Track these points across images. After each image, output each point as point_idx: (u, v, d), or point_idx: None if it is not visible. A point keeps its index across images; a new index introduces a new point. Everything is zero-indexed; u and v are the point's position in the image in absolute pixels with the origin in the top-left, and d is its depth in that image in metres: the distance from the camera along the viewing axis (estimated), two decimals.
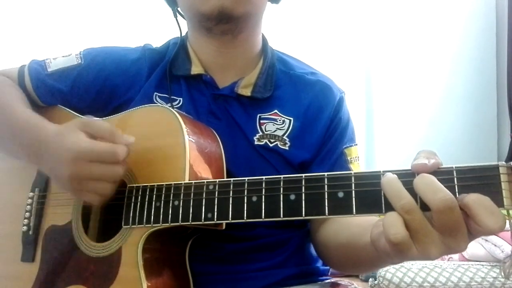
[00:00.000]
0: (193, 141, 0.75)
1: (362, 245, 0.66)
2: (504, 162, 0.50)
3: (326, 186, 0.58)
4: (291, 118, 0.87)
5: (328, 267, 0.93)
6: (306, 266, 0.89)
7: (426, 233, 0.50)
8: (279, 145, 0.86)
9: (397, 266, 1.91)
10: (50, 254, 0.83)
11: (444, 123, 2.64)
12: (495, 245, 1.95)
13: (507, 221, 0.51)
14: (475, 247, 2.00)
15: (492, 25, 2.66)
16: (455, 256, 2.02)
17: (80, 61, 0.92)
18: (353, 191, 0.56)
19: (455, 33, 2.69)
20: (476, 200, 0.49)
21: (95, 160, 0.68)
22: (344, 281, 0.95)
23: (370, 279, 2.01)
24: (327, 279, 0.91)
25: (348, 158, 0.89)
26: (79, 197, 0.75)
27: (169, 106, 0.85)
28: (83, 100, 0.91)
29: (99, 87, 0.90)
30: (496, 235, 1.98)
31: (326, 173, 0.59)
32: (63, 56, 0.94)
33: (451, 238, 0.50)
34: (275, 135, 0.86)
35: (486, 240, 1.99)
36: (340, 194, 0.57)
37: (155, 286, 0.71)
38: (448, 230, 0.50)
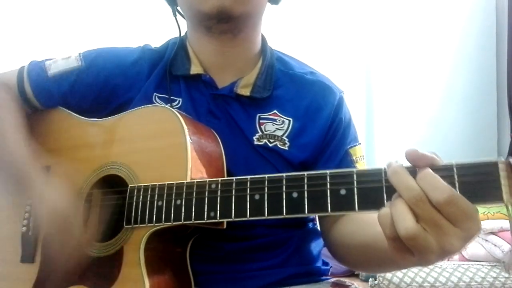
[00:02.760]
0: (194, 141, 0.75)
1: (381, 245, 0.64)
2: (502, 158, 0.50)
3: (328, 183, 0.58)
4: (291, 119, 0.87)
5: (328, 267, 0.93)
6: (306, 265, 0.89)
7: (438, 223, 0.50)
8: (278, 145, 0.86)
9: None
10: (50, 254, 0.82)
11: (444, 123, 2.64)
12: (495, 245, 1.96)
13: (507, 221, 0.51)
14: (475, 247, 2.01)
15: (492, 25, 2.66)
16: (455, 256, 2.02)
17: (80, 63, 0.92)
18: (355, 188, 0.56)
19: (455, 33, 2.69)
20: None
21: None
22: (344, 281, 0.95)
23: (370, 279, 2.01)
24: (327, 279, 0.91)
25: (354, 158, 0.89)
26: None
27: (169, 107, 0.85)
28: (83, 101, 0.91)
29: (99, 88, 0.90)
30: (496, 235, 1.98)
31: (328, 171, 0.59)
32: (62, 59, 0.94)
33: (461, 229, 0.50)
34: (275, 135, 0.86)
35: (486, 240, 1.99)
36: (342, 191, 0.57)
37: (157, 286, 0.71)
38: (456, 222, 0.50)
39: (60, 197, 0.75)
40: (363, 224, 0.76)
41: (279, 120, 0.87)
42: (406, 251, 0.52)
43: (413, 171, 0.53)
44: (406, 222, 0.50)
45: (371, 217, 0.72)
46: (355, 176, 0.57)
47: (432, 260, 0.52)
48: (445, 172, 0.52)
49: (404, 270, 1.90)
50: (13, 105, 0.91)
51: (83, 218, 0.81)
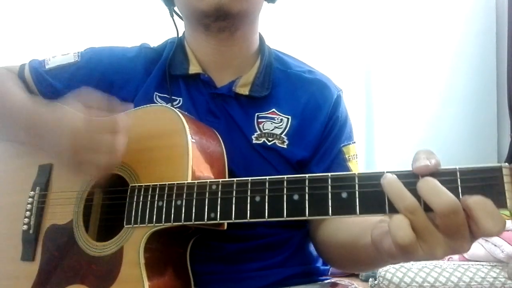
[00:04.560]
0: (196, 141, 0.75)
1: (363, 245, 0.66)
2: (507, 164, 0.50)
3: (329, 186, 0.58)
4: (289, 117, 0.88)
5: (328, 267, 0.93)
6: (306, 266, 0.89)
7: (430, 233, 0.51)
8: (277, 144, 0.86)
9: (397, 266, 1.91)
10: (51, 253, 0.82)
11: (444, 123, 2.64)
12: (495, 245, 1.96)
13: (510, 221, 0.51)
14: (475, 247, 2.01)
15: (492, 25, 2.66)
16: (455, 256, 2.02)
17: (77, 59, 0.93)
18: (357, 192, 0.56)
19: (455, 33, 2.69)
20: (478, 203, 0.49)
21: (93, 131, 0.70)
22: (344, 281, 0.95)
23: (370, 279, 2.01)
24: (327, 279, 0.91)
25: (346, 156, 0.89)
26: (80, 170, 0.76)
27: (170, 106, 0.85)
28: None
29: (94, 84, 0.90)
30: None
31: (329, 174, 0.59)
32: (62, 55, 0.95)
33: (455, 240, 0.50)
34: (273, 134, 0.86)
35: (486, 240, 1.99)
36: (344, 195, 0.57)
37: (157, 286, 0.71)
38: (452, 233, 0.50)
39: (81, 118, 0.72)
40: (349, 223, 0.76)
41: (278, 119, 0.87)
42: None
43: (413, 175, 0.53)
44: (401, 231, 0.50)
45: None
46: (356, 179, 0.56)
47: (419, 260, 0.53)
48: (448, 177, 0.52)
49: (404, 270, 1.90)
50: (16, 78, 0.93)
51: (84, 218, 0.81)
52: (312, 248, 0.91)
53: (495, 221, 0.48)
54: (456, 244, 0.51)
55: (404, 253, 0.51)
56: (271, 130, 0.86)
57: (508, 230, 1.94)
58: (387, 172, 0.54)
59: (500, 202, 0.49)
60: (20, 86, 0.91)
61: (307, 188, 0.59)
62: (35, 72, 0.93)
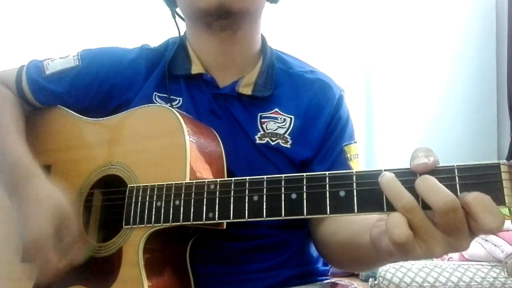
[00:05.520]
0: (194, 141, 0.75)
1: (362, 244, 0.66)
2: (505, 161, 0.50)
3: (327, 185, 0.58)
4: (292, 117, 0.88)
5: (328, 268, 0.93)
6: (306, 266, 0.89)
7: (428, 231, 0.51)
8: (281, 143, 0.86)
9: (397, 266, 1.91)
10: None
11: (444, 123, 2.64)
12: (495, 245, 1.95)
13: (509, 220, 0.51)
14: (475, 247, 2.00)
15: (492, 25, 2.66)
16: (455, 256, 2.02)
17: (77, 63, 0.92)
18: (355, 190, 0.56)
19: (455, 33, 2.69)
20: (476, 199, 0.49)
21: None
22: (344, 281, 0.95)
23: (370, 279, 2.01)
24: (327, 279, 0.91)
25: (348, 155, 0.89)
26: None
27: (169, 106, 0.85)
28: (81, 101, 0.91)
29: (97, 87, 0.90)
30: (496, 235, 1.98)
31: (327, 172, 0.59)
32: (60, 58, 0.94)
33: (454, 238, 0.50)
34: (277, 133, 0.86)
35: (486, 240, 1.98)
36: (342, 193, 0.57)
37: (156, 286, 0.71)
38: (450, 230, 0.50)
39: (58, 198, 0.74)
40: (348, 222, 0.76)
41: (281, 118, 0.87)
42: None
43: (411, 173, 0.53)
44: (397, 229, 0.50)
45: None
46: (354, 177, 0.56)
47: (418, 259, 0.54)
48: (446, 174, 0.52)
49: (404, 270, 1.89)
50: (13, 99, 0.92)
51: (83, 219, 0.81)
52: (312, 249, 0.91)
53: (494, 216, 0.48)
54: (455, 242, 0.51)
55: (402, 252, 0.51)
56: (275, 130, 0.86)
57: (508, 230, 1.94)
58: (384, 170, 0.54)
59: (499, 200, 0.49)
60: (15, 104, 0.91)
61: (305, 187, 0.59)
62: (32, 82, 0.92)
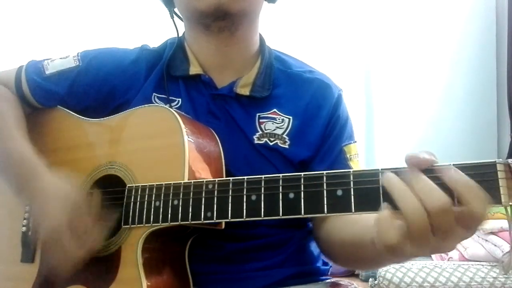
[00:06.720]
0: (192, 141, 0.75)
1: (365, 243, 0.66)
2: (501, 159, 0.50)
3: (325, 184, 0.58)
4: (290, 117, 0.88)
5: (328, 267, 0.93)
6: (306, 266, 0.89)
7: (424, 235, 0.51)
8: (279, 144, 0.86)
9: (397, 266, 1.91)
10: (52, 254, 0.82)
11: (444, 123, 2.63)
12: (495, 245, 1.95)
13: (507, 221, 0.51)
14: (475, 247, 2.00)
15: (492, 25, 2.66)
16: (455, 256, 2.02)
17: (78, 63, 0.92)
18: (352, 189, 0.56)
19: (455, 33, 2.69)
20: (459, 179, 0.50)
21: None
22: (344, 281, 0.95)
23: (370, 279, 2.01)
24: (327, 279, 0.91)
25: (348, 155, 0.89)
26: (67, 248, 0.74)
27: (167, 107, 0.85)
28: (81, 102, 0.91)
29: (97, 88, 0.90)
30: (496, 235, 1.98)
31: (324, 172, 0.59)
32: (60, 58, 0.94)
33: (442, 239, 0.51)
34: (275, 134, 0.86)
35: (486, 240, 1.98)
36: (339, 192, 0.57)
37: (155, 286, 0.71)
38: (441, 232, 0.50)
39: (67, 188, 0.75)
40: (351, 221, 0.76)
41: (279, 119, 0.87)
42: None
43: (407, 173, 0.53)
44: (389, 234, 0.51)
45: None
46: (351, 177, 0.57)
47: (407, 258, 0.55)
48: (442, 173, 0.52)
49: (404, 270, 1.89)
50: (13, 98, 0.92)
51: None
52: (312, 248, 0.91)
53: (479, 198, 0.49)
54: (442, 244, 0.51)
55: (391, 254, 0.52)
56: (273, 130, 0.86)
57: (508, 230, 1.93)
58: (384, 169, 0.55)
59: (495, 198, 0.49)
60: (15, 104, 0.91)
61: (302, 186, 0.60)
62: (32, 82, 0.92)
